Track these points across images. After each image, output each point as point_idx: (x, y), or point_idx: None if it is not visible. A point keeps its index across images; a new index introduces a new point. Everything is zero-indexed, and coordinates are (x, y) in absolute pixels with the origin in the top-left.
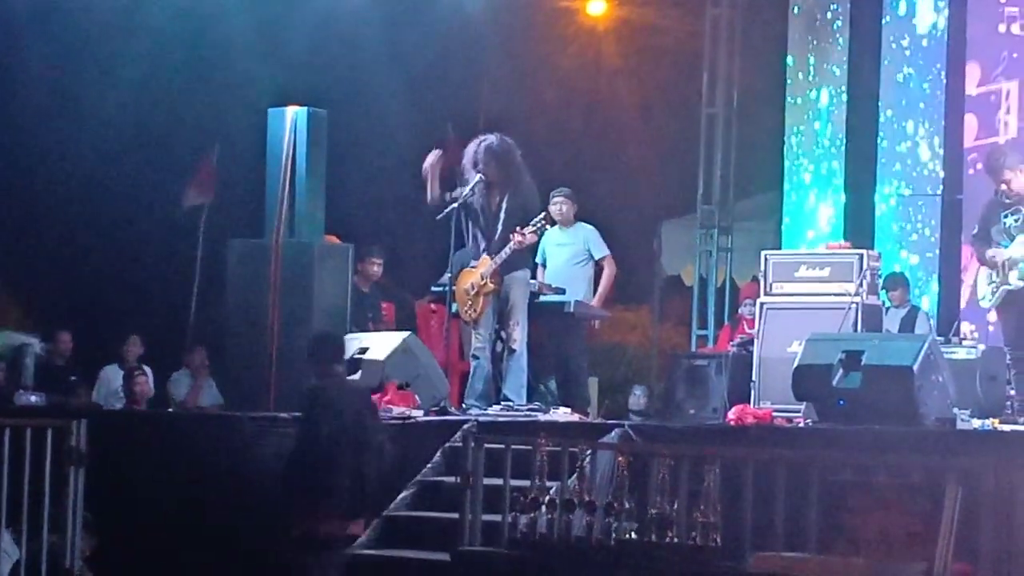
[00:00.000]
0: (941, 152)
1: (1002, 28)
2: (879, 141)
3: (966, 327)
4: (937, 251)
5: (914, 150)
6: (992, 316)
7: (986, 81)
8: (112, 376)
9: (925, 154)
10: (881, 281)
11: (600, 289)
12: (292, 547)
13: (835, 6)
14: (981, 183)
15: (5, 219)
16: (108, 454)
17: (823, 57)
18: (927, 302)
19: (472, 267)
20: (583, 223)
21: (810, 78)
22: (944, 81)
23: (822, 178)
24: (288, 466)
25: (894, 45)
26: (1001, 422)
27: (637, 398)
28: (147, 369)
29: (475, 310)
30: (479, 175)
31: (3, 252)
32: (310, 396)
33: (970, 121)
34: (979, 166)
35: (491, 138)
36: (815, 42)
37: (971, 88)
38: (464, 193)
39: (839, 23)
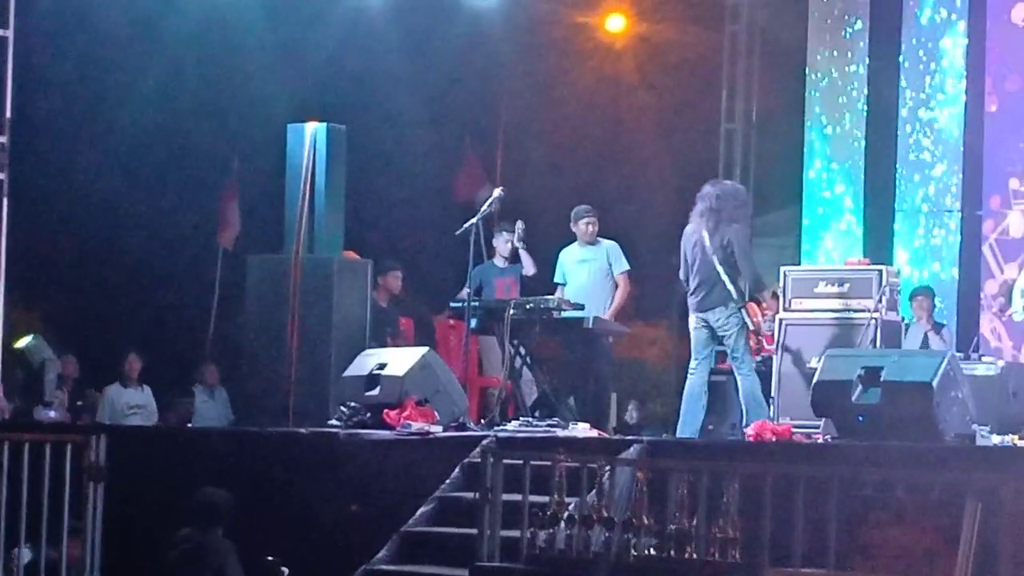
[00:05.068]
0: (959, 167)
1: None
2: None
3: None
4: (957, 266)
5: (933, 165)
6: None
7: None
8: (115, 396)
9: (943, 168)
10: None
11: (613, 305)
12: None
13: (855, 20)
14: None
15: (24, 236)
16: (125, 470)
17: (842, 71)
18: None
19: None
20: (604, 239)
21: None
22: (964, 92)
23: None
24: None
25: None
26: (1021, 438)
27: (630, 412)
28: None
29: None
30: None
31: (22, 268)
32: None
33: None
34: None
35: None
36: (834, 54)
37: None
38: (483, 209)
39: (860, 27)
